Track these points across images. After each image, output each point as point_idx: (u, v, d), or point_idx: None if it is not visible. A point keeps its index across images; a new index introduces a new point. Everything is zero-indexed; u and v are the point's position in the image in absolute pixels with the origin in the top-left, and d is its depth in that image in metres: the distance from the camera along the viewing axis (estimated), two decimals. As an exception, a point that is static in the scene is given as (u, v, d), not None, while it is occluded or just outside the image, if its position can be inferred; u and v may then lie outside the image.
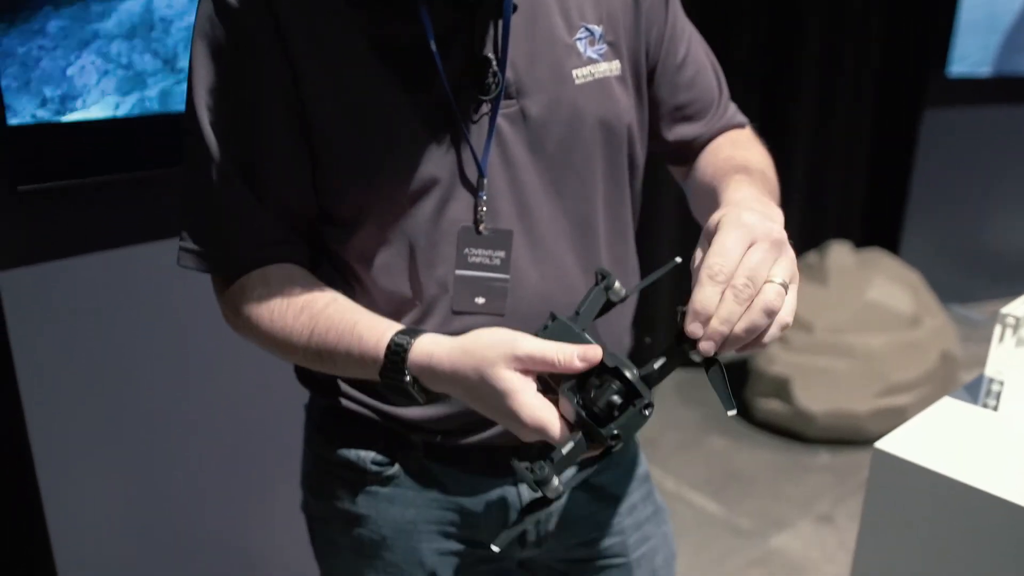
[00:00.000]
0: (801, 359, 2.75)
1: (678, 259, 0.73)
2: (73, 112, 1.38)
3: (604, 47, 0.86)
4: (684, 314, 0.66)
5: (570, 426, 0.67)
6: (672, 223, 2.93)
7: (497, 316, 0.84)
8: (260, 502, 1.77)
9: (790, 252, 0.69)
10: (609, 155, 0.88)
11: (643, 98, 0.92)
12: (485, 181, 0.82)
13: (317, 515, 1.01)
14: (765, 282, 0.66)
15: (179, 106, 1.46)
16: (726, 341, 0.66)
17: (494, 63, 0.80)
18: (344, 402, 0.92)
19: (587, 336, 0.69)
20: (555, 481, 0.65)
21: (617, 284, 0.73)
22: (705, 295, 0.65)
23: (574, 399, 0.66)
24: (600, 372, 0.67)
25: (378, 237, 0.83)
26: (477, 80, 0.80)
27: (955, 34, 3.35)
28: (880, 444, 0.88)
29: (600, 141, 0.87)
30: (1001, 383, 0.94)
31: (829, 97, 3.34)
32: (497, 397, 0.68)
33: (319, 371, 0.90)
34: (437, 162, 0.81)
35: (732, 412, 0.66)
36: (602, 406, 0.65)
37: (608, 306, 0.74)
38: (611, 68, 0.86)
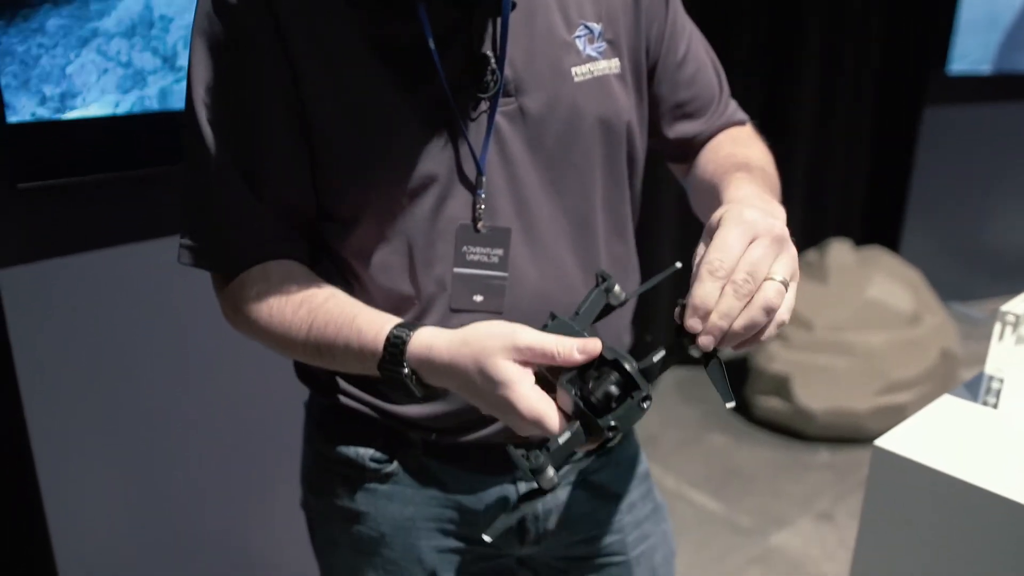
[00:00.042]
0: (801, 357, 2.75)
1: (678, 264, 0.73)
2: (73, 110, 1.38)
3: (603, 45, 0.86)
4: (684, 308, 0.66)
5: (568, 419, 0.67)
6: (672, 222, 2.93)
7: (495, 314, 0.84)
8: (260, 499, 1.77)
9: (792, 249, 0.69)
10: (608, 153, 0.88)
11: (643, 96, 0.92)
12: (484, 179, 0.82)
13: (316, 512, 1.01)
14: (766, 279, 0.66)
15: (179, 104, 1.46)
16: (724, 337, 0.66)
17: (493, 61, 0.80)
18: (343, 399, 0.92)
19: (587, 335, 0.69)
20: (550, 471, 0.64)
21: (617, 288, 0.73)
22: (705, 290, 0.65)
23: (572, 391, 0.66)
24: (599, 365, 0.67)
25: (377, 235, 0.83)
26: (476, 78, 0.80)
27: (955, 32, 3.35)
28: (880, 442, 0.88)
29: (599, 139, 0.87)
30: (1001, 381, 0.94)
31: (829, 95, 3.34)
32: (495, 388, 0.68)
33: (318, 367, 0.90)
34: (436, 160, 0.81)
35: (731, 405, 0.66)
36: (600, 397, 0.65)
37: (608, 310, 0.74)
38: (610, 66, 0.86)
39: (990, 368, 0.94)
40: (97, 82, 1.40)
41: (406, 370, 0.74)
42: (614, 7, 0.87)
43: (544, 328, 0.70)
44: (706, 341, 0.66)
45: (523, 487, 0.94)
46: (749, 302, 0.66)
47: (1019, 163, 3.71)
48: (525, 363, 0.68)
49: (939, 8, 3.35)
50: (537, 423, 0.66)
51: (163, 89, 1.47)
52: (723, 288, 0.65)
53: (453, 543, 0.96)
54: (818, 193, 3.47)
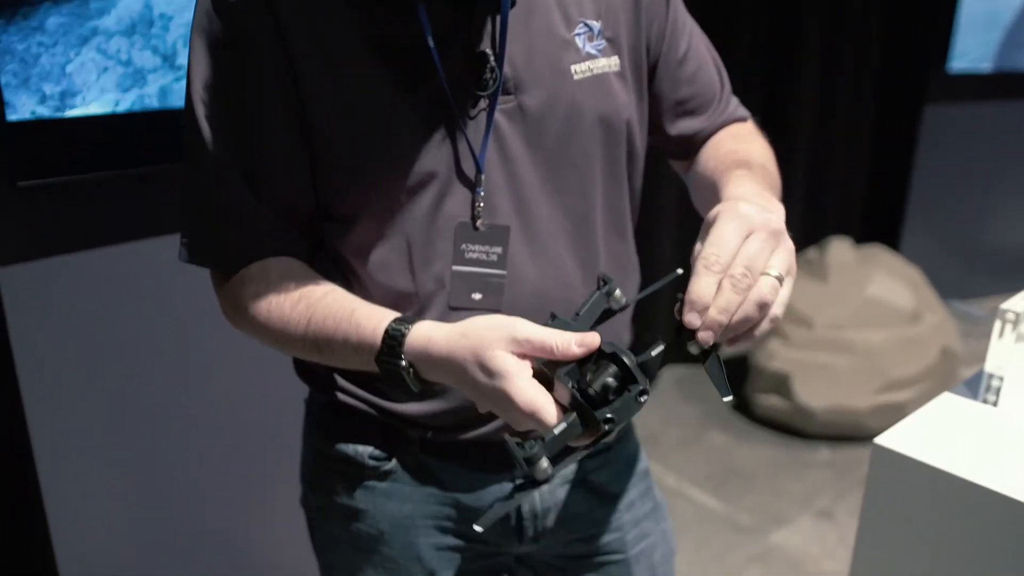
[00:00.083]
0: (801, 355, 2.75)
1: (680, 271, 0.73)
2: (72, 109, 1.38)
3: (603, 43, 0.86)
4: (682, 304, 0.66)
5: (564, 412, 0.66)
6: (672, 222, 2.93)
7: (494, 312, 0.84)
8: (260, 497, 1.77)
9: (788, 243, 0.69)
10: (608, 151, 0.88)
11: (643, 94, 0.92)
12: (483, 177, 0.82)
13: (316, 509, 1.01)
14: (762, 274, 0.66)
15: (178, 103, 1.46)
16: (717, 329, 0.66)
17: (492, 59, 0.80)
18: (341, 396, 0.92)
19: None
20: (544, 462, 0.63)
21: (618, 292, 0.73)
22: (702, 285, 0.65)
23: (569, 383, 0.65)
24: (597, 359, 0.67)
25: (376, 233, 0.83)
26: (475, 76, 0.80)
27: (956, 30, 3.35)
28: (880, 440, 0.88)
29: (599, 137, 0.87)
30: (1001, 379, 0.94)
31: (829, 94, 3.34)
32: (492, 379, 0.67)
33: (316, 363, 0.90)
34: (435, 157, 0.81)
35: (728, 399, 0.66)
36: (598, 389, 0.65)
37: (608, 314, 0.74)
38: (610, 64, 0.86)
39: (990, 366, 0.94)
40: (97, 81, 1.40)
41: (403, 363, 0.74)
42: (614, 5, 0.87)
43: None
44: (705, 336, 0.66)
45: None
46: (746, 296, 0.66)
47: (1019, 161, 3.71)
48: (523, 356, 0.68)
49: (939, 6, 3.35)
50: (533, 415, 0.65)
51: (163, 88, 1.47)
52: (720, 282, 0.65)
53: (452, 541, 0.96)
54: (818, 191, 3.47)
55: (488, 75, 0.80)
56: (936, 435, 0.89)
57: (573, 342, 0.67)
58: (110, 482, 1.59)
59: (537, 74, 0.82)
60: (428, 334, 0.73)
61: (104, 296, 1.50)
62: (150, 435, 1.60)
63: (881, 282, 2.85)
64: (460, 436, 0.90)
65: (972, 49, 3.41)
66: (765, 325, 0.67)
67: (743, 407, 2.94)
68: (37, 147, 1.36)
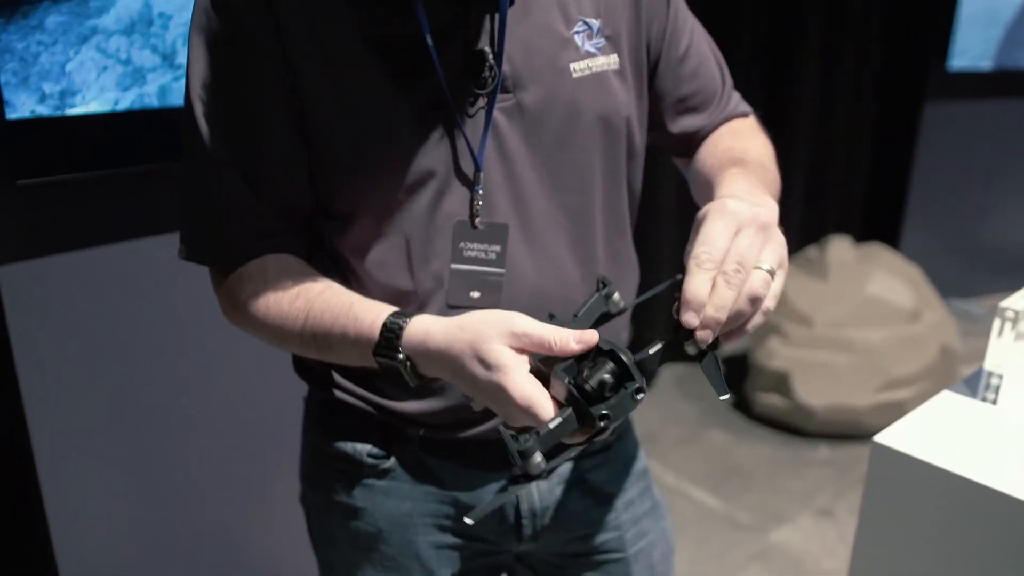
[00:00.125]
0: (801, 353, 2.75)
1: (680, 276, 0.73)
2: (72, 108, 1.38)
3: (602, 41, 0.86)
4: (680, 305, 0.66)
5: (560, 408, 0.66)
6: (672, 221, 2.93)
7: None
8: (260, 496, 1.77)
9: (778, 236, 0.69)
10: (607, 149, 0.88)
11: (643, 92, 0.92)
12: (481, 175, 0.82)
13: (315, 507, 1.01)
14: (753, 268, 0.66)
15: (178, 101, 1.45)
16: (715, 326, 0.66)
17: (490, 57, 0.80)
18: (339, 394, 0.92)
19: None
20: (538, 457, 0.63)
21: (616, 295, 0.73)
22: (696, 284, 0.65)
23: (566, 379, 0.65)
24: (595, 357, 0.67)
25: (374, 231, 0.83)
26: (473, 74, 0.80)
27: (956, 28, 3.35)
28: (879, 438, 0.88)
29: (598, 135, 0.87)
30: (1000, 377, 0.94)
31: (830, 92, 3.34)
32: (489, 372, 0.67)
33: (315, 361, 0.90)
34: (433, 156, 0.81)
35: (725, 397, 0.66)
36: (594, 385, 0.65)
37: (606, 317, 0.74)
38: (609, 62, 0.86)
39: (989, 364, 0.95)
40: (97, 80, 1.40)
41: (401, 356, 0.74)
42: (613, 3, 0.87)
43: None
44: (704, 335, 0.66)
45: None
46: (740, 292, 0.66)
47: (1019, 160, 3.71)
48: (521, 351, 0.68)
49: (939, 4, 3.35)
50: (529, 409, 0.65)
51: (162, 87, 1.47)
52: (714, 280, 0.65)
53: (450, 539, 0.96)
54: (818, 190, 3.47)
55: (487, 73, 0.80)
56: (935, 433, 0.89)
57: (572, 338, 0.67)
58: (110, 481, 1.59)
59: (536, 72, 0.82)
60: (426, 327, 0.73)
61: (104, 295, 1.50)
62: (150, 433, 1.60)
63: (881, 280, 2.85)
64: (458, 434, 0.90)
65: (972, 47, 3.41)
66: (757, 318, 0.67)
67: (743, 405, 2.94)
68: (37, 145, 1.36)
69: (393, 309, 0.77)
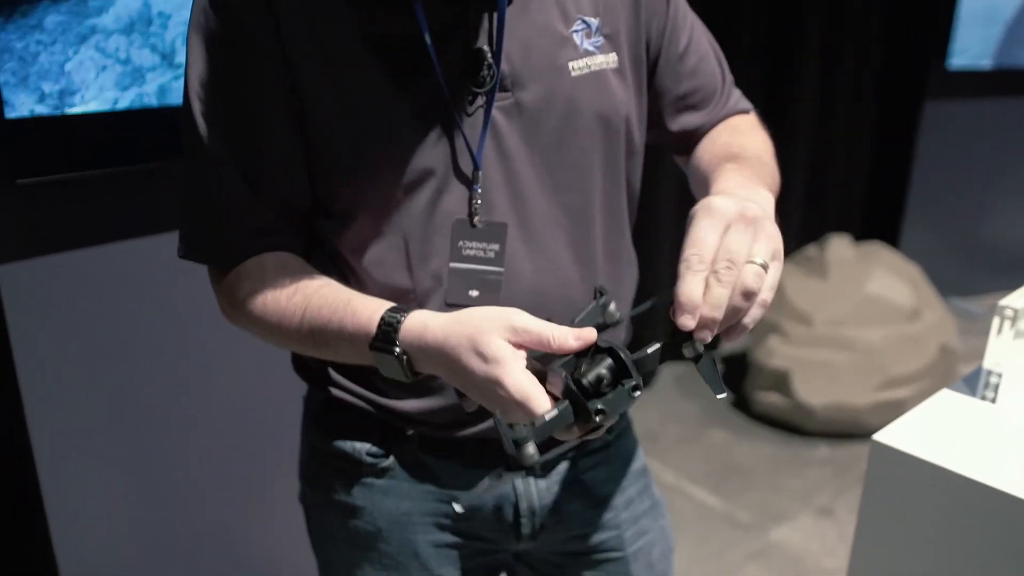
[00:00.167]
0: (801, 352, 2.75)
1: (654, 299, 0.73)
2: (72, 108, 1.38)
3: (601, 39, 0.86)
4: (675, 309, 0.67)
5: (556, 403, 0.66)
6: (671, 220, 2.93)
7: None
8: (260, 495, 1.77)
9: (768, 228, 0.69)
10: (606, 148, 0.88)
11: (642, 90, 0.92)
12: (480, 173, 0.82)
13: (314, 506, 1.01)
14: (746, 263, 0.66)
15: (177, 101, 1.45)
16: (712, 326, 0.66)
17: (489, 55, 0.80)
18: (338, 393, 0.92)
19: None
20: (531, 447, 0.62)
21: (613, 306, 0.74)
22: (689, 286, 0.65)
23: (563, 373, 0.65)
24: (593, 354, 0.67)
25: (373, 229, 0.84)
26: (472, 73, 0.80)
27: (955, 26, 3.35)
28: (878, 436, 0.88)
29: (597, 134, 0.87)
30: (999, 375, 0.94)
31: (829, 90, 3.34)
32: (486, 364, 0.67)
33: (313, 359, 0.90)
34: (432, 154, 0.81)
35: (722, 396, 0.66)
36: (592, 379, 0.65)
37: (601, 328, 0.74)
38: (608, 60, 0.86)
39: (988, 362, 0.95)
40: (96, 79, 1.39)
41: (398, 349, 0.73)
42: (612, 1, 0.86)
43: None
44: (703, 335, 0.66)
45: (520, 482, 0.94)
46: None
47: (1019, 158, 3.71)
48: (519, 346, 0.68)
49: (939, 3, 3.35)
50: (524, 403, 0.65)
51: (162, 86, 1.47)
52: (707, 280, 0.66)
53: (449, 538, 0.96)
54: (818, 188, 3.47)
55: (485, 72, 0.80)
56: (935, 432, 0.89)
57: (570, 335, 0.67)
58: (110, 480, 1.59)
59: (534, 71, 0.82)
60: (424, 321, 0.73)
61: (103, 294, 1.50)
62: (150, 433, 1.60)
63: (881, 279, 2.85)
64: (456, 433, 0.90)
65: (972, 45, 3.41)
66: (755, 312, 0.67)
67: (743, 404, 2.94)
68: (36, 145, 1.36)
69: (392, 304, 0.77)
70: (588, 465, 0.99)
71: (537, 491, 0.95)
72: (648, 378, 0.78)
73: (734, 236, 0.67)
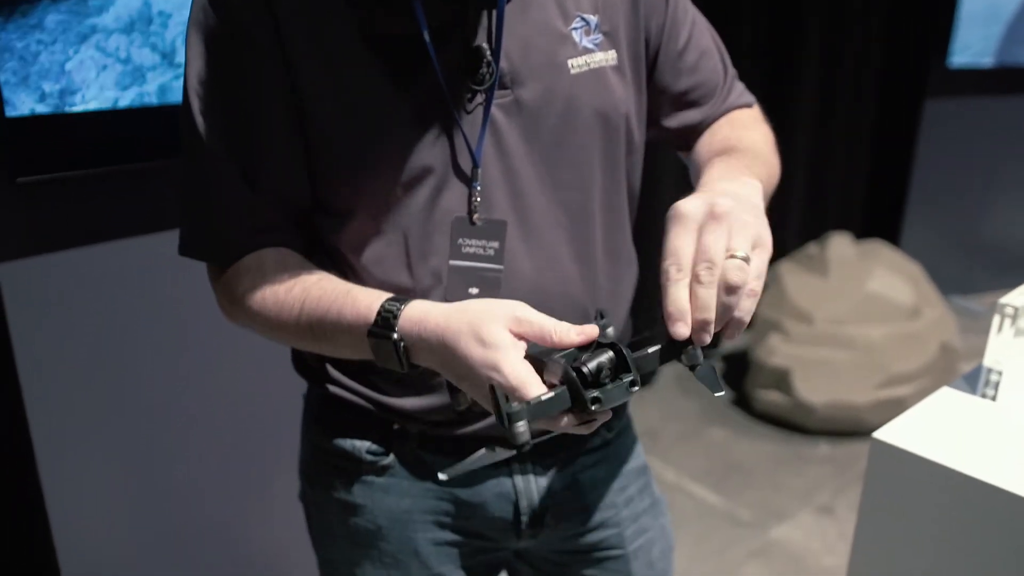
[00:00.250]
0: (801, 350, 2.75)
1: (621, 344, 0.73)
2: (72, 107, 1.38)
3: (600, 37, 0.86)
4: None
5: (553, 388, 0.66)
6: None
7: None
8: (259, 493, 1.78)
9: (743, 218, 0.68)
10: (605, 146, 0.88)
11: (642, 87, 0.92)
12: (479, 171, 0.82)
13: (314, 504, 1.01)
14: (727, 258, 0.66)
15: (178, 100, 1.45)
16: (707, 327, 0.66)
17: (488, 53, 0.80)
18: (338, 391, 0.92)
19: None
20: (523, 425, 0.62)
21: (611, 330, 0.74)
22: (675, 296, 0.65)
23: (563, 361, 0.65)
24: (594, 349, 0.67)
25: (372, 228, 0.84)
26: (471, 71, 0.80)
27: (956, 24, 3.34)
28: (878, 434, 0.88)
29: (597, 131, 0.87)
30: (1000, 373, 0.94)
31: (830, 89, 3.33)
32: (485, 350, 0.67)
33: (313, 357, 0.90)
34: (431, 152, 0.81)
35: (720, 394, 0.66)
36: (592, 368, 0.64)
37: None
38: (607, 58, 0.86)
39: (989, 360, 0.95)
40: (96, 78, 1.39)
41: (395, 336, 0.73)
42: None
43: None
44: (701, 339, 0.66)
45: (520, 479, 0.94)
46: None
47: (1020, 157, 3.70)
48: (520, 337, 0.68)
49: (940, 1, 3.35)
50: (519, 388, 0.65)
51: (162, 86, 1.47)
52: (690, 286, 0.66)
53: (450, 536, 0.96)
54: (819, 187, 3.47)
55: (484, 70, 0.80)
56: (935, 430, 0.89)
57: (572, 330, 0.67)
58: (111, 477, 1.59)
59: (533, 68, 0.82)
60: (426, 309, 0.73)
61: (104, 292, 1.50)
62: (150, 431, 1.61)
63: (881, 277, 2.85)
64: (456, 431, 0.90)
65: (973, 43, 3.41)
66: (747, 304, 0.67)
67: (743, 402, 2.94)
68: (36, 143, 1.36)
69: (392, 295, 0.77)
70: (588, 463, 0.99)
71: (537, 489, 0.95)
72: (648, 378, 0.78)
73: (708, 237, 0.66)
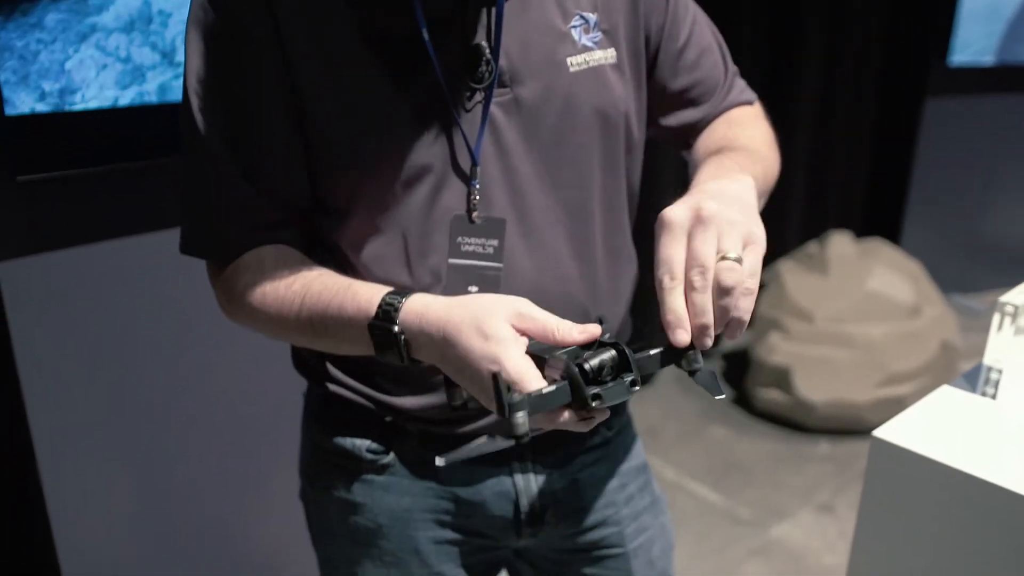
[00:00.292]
0: (801, 349, 2.75)
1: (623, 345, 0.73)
2: (72, 107, 1.38)
3: (599, 35, 0.86)
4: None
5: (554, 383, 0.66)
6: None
7: None
8: (260, 491, 1.78)
9: (731, 217, 0.68)
10: (605, 144, 0.88)
11: (642, 85, 0.92)
12: (478, 169, 0.82)
13: (314, 503, 1.01)
14: (718, 260, 0.66)
15: (178, 99, 1.45)
16: (707, 331, 0.66)
17: (487, 51, 0.80)
18: (338, 390, 0.92)
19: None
20: (522, 415, 0.62)
21: (607, 336, 0.74)
22: (670, 305, 0.66)
23: (565, 358, 0.66)
24: (596, 348, 0.67)
25: (371, 226, 0.84)
26: (470, 69, 0.80)
27: (957, 22, 3.34)
28: (879, 432, 0.88)
29: (596, 129, 0.87)
30: (1000, 371, 0.94)
31: (830, 88, 3.33)
32: (487, 343, 0.67)
33: (313, 356, 0.90)
34: (430, 150, 0.81)
35: (721, 397, 0.67)
36: (594, 365, 0.65)
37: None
38: (606, 56, 0.86)
39: (989, 359, 0.94)
40: (96, 78, 1.39)
41: (396, 328, 0.73)
42: None
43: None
44: (703, 343, 0.66)
45: (520, 478, 0.94)
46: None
47: (1021, 155, 3.70)
48: (523, 333, 0.68)
49: (940, -1, 3.35)
50: (519, 382, 0.65)
51: (162, 85, 1.46)
52: (685, 293, 0.66)
53: (450, 534, 0.96)
54: (819, 185, 3.47)
55: (483, 68, 0.80)
56: (935, 428, 0.89)
57: (575, 329, 0.67)
58: (111, 476, 1.59)
59: (533, 66, 0.82)
60: (427, 302, 0.73)
61: (104, 291, 1.50)
62: (151, 429, 1.61)
63: (881, 276, 2.85)
64: (457, 430, 0.90)
65: (974, 42, 3.40)
66: (744, 302, 0.67)
67: (743, 401, 2.94)
68: (36, 141, 1.36)
69: (393, 288, 0.77)
70: (588, 461, 0.99)
71: (537, 487, 0.95)
72: (648, 377, 0.79)
73: (697, 241, 0.67)
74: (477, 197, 0.83)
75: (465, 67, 0.80)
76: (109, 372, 1.53)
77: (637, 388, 0.65)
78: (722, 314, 0.66)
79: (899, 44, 3.44)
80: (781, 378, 2.76)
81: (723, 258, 0.66)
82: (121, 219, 1.50)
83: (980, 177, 3.69)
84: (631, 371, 0.65)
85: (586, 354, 0.66)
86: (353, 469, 0.94)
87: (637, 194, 0.97)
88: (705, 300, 0.65)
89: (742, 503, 2.46)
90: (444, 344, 0.70)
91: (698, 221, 0.67)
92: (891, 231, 3.61)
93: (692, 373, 0.68)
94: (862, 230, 3.43)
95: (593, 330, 0.68)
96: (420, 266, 0.84)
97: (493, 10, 0.80)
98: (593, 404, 0.63)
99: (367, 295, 0.76)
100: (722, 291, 0.66)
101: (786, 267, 3.00)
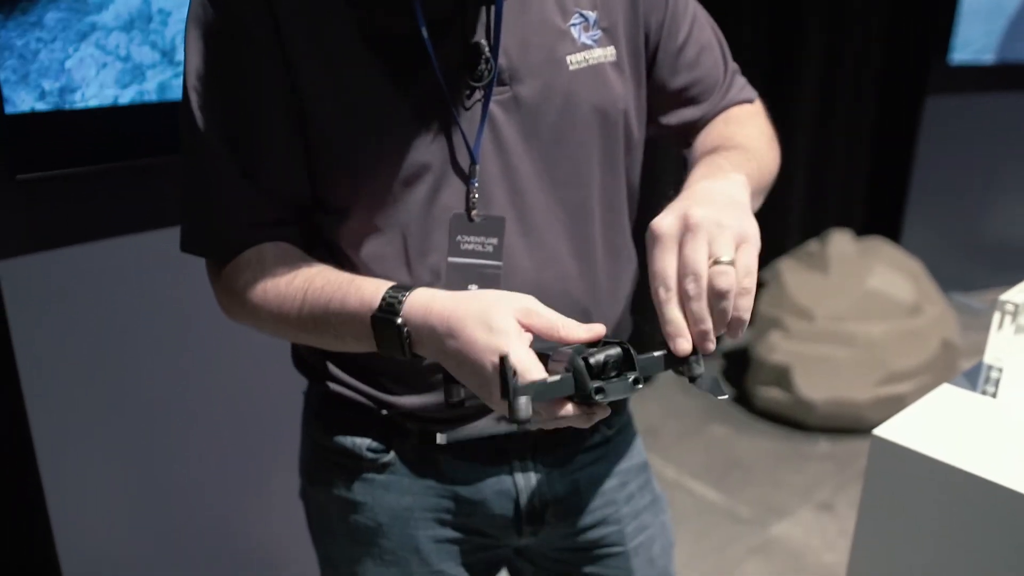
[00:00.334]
0: (802, 347, 2.75)
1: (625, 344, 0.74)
2: (72, 106, 1.38)
3: (599, 33, 0.86)
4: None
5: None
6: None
7: None
8: (260, 490, 1.78)
9: (721, 220, 0.68)
10: (604, 142, 0.88)
11: (641, 83, 0.91)
12: (477, 168, 0.82)
13: (314, 501, 1.01)
14: (711, 266, 0.66)
15: (177, 97, 1.45)
16: (707, 336, 0.67)
17: (486, 50, 0.80)
18: (339, 388, 0.92)
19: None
20: (525, 399, 0.63)
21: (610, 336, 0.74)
22: (668, 316, 0.67)
23: (570, 352, 0.66)
24: (601, 346, 0.68)
25: (371, 225, 0.84)
26: (470, 67, 0.80)
27: (958, 21, 3.33)
28: (879, 431, 0.88)
29: (595, 128, 0.86)
30: (1000, 370, 0.94)
31: (830, 87, 3.33)
32: (490, 336, 0.67)
33: (311, 352, 0.90)
34: (429, 149, 0.81)
35: (724, 397, 0.67)
36: (599, 359, 0.65)
37: None
38: (606, 54, 0.86)
39: (989, 357, 0.95)
40: (96, 76, 1.39)
41: (399, 320, 0.73)
42: None
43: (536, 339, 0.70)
44: (705, 348, 0.67)
45: (520, 477, 0.94)
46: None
47: (1021, 154, 3.70)
48: (527, 329, 0.68)
49: (941, -3, 3.34)
50: (523, 374, 0.65)
51: (162, 83, 1.46)
52: (680, 303, 0.67)
53: (451, 533, 0.96)
54: (819, 183, 3.47)
55: (483, 66, 0.80)
56: (935, 426, 0.89)
57: (580, 327, 0.68)
58: (111, 474, 1.60)
59: (532, 65, 0.82)
60: (430, 294, 0.73)
61: (104, 289, 1.50)
62: (151, 428, 1.61)
63: (882, 274, 2.84)
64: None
65: (974, 40, 3.40)
66: (743, 302, 0.67)
67: (743, 399, 2.94)
68: (36, 140, 1.36)
69: (396, 283, 0.77)
70: (588, 460, 0.99)
71: (538, 486, 0.95)
72: (650, 378, 0.79)
73: (687, 250, 0.67)
74: (476, 196, 0.83)
75: (464, 65, 0.80)
76: (109, 371, 1.54)
77: (640, 386, 0.66)
78: (721, 318, 0.67)
79: (899, 43, 3.44)
80: (781, 376, 2.76)
81: (716, 263, 0.66)
82: (121, 217, 1.50)
83: (980, 175, 3.69)
84: (634, 370, 0.65)
85: (591, 351, 0.66)
86: (353, 468, 0.94)
87: (637, 193, 0.97)
88: (701, 307, 0.66)
89: (742, 501, 2.46)
90: (447, 336, 0.70)
91: (687, 229, 0.68)
92: (891, 229, 3.61)
93: (693, 379, 0.68)
94: (862, 228, 3.43)
95: (598, 329, 0.68)
96: (420, 265, 0.84)
97: (492, 8, 0.80)
98: (596, 397, 0.64)
99: (371, 289, 0.76)
100: (718, 296, 0.66)
101: (786, 266, 3.00)
